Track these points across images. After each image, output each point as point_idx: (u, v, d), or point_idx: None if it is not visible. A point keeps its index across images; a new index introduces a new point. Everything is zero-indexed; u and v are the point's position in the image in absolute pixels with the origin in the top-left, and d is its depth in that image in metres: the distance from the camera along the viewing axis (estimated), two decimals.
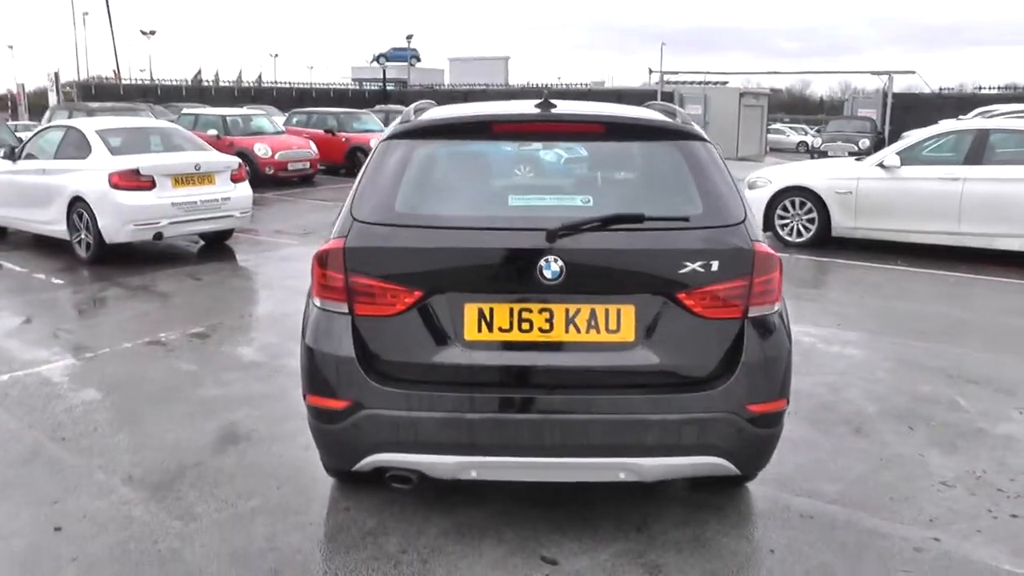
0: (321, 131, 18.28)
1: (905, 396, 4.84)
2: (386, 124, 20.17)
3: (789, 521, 3.40)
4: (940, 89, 28.93)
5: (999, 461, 4.01)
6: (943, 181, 8.76)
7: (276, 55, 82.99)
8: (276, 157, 15.17)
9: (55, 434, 4.19)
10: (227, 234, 9.47)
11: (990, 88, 29.63)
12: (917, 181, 8.95)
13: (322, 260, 2.87)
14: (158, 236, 8.14)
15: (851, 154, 22.03)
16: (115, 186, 7.83)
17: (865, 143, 25.04)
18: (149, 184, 7.92)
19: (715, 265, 2.77)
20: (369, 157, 3.10)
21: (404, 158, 2.99)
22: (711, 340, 2.83)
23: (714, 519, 3.40)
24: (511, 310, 2.76)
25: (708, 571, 3.03)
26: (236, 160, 9.02)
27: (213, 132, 15.34)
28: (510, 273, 2.75)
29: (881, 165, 9.19)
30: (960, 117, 16.27)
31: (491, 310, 2.76)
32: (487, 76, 55.40)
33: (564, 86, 46.21)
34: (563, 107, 3.20)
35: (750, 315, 2.85)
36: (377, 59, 69.82)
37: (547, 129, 3.11)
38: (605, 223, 2.75)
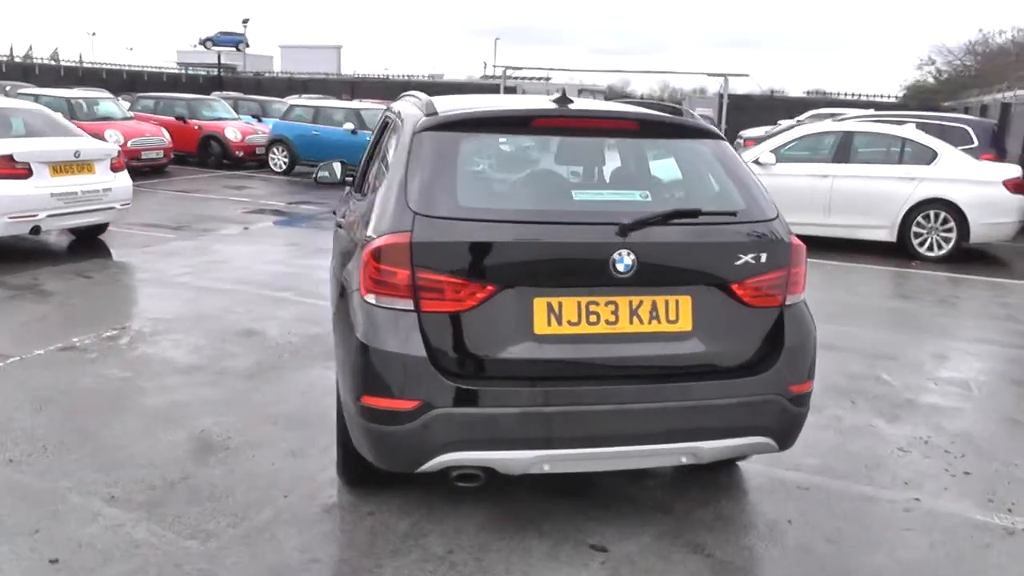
0: (171, 118, 17.01)
1: (838, 375, 5.30)
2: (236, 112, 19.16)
3: (791, 494, 3.65)
4: (771, 92, 31.49)
5: (936, 427, 4.51)
6: (814, 178, 9.60)
7: (94, 33, 76.09)
8: (129, 145, 13.92)
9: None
10: (101, 228, 8.65)
11: (808, 93, 32.57)
12: (791, 177, 9.73)
13: (379, 255, 2.74)
14: (35, 230, 7.29)
15: None
16: None
17: None
18: (25, 172, 7.06)
19: (764, 257, 2.93)
20: (408, 148, 2.96)
21: (452, 150, 2.90)
22: (757, 327, 2.99)
23: (724, 497, 3.59)
24: (579, 303, 2.78)
25: (745, 546, 3.20)
26: (116, 148, 8.25)
27: None
28: (582, 267, 2.77)
29: (757, 162, 9.91)
30: (800, 119, 17.83)
31: (560, 304, 2.76)
32: (319, 65, 53.78)
33: (406, 78, 45.74)
34: (580, 104, 3.24)
35: (787, 303, 3.05)
36: (204, 43, 65.78)
37: (585, 124, 3.14)
38: (667, 218, 2.84)
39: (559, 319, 2.77)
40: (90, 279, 7.08)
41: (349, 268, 3.16)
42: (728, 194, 3.06)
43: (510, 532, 3.20)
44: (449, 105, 3.21)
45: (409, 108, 3.36)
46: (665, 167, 3.29)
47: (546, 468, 2.81)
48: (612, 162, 3.48)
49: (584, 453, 2.82)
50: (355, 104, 17.99)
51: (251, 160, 17.08)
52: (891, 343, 6.06)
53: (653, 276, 2.82)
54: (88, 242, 8.57)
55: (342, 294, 3.18)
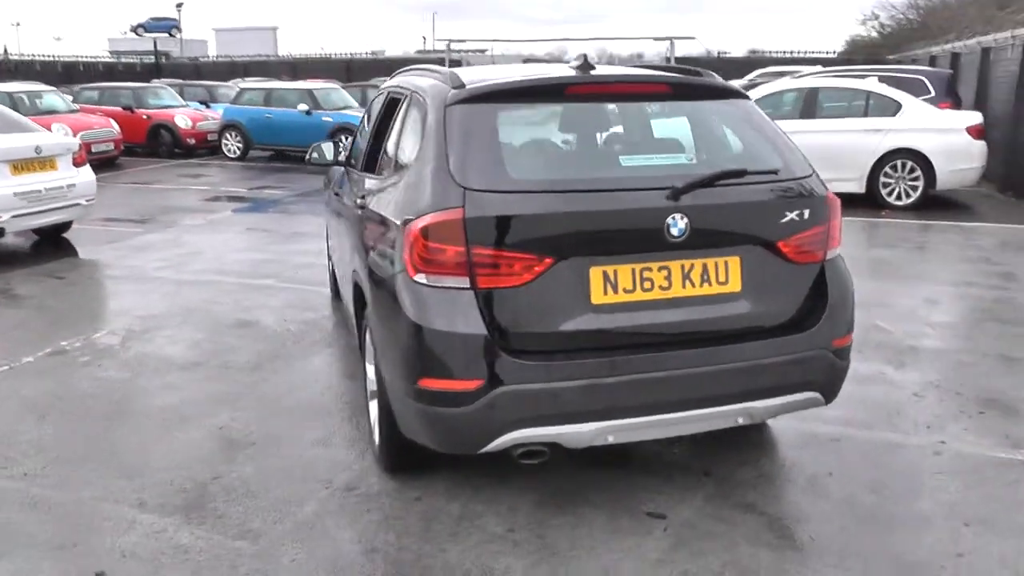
0: (118, 108, 16.37)
1: None
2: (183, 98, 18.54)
3: (823, 447, 3.70)
4: (718, 54, 31.81)
5: (942, 372, 4.62)
6: None
7: (18, 24, 72.54)
8: (78, 139, 13.39)
9: (10, 471, 3.52)
10: (65, 226, 8.30)
11: (752, 52, 32.92)
12: None
13: (427, 234, 2.65)
14: None
15: None
16: None
17: None
18: None
19: (806, 213, 2.93)
20: (440, 123, 2.86)
21: (489, 123, 2.82)
22: (801, 284, 3.00)
23: (761, 455, 3.61)
24: (633, 270, 2.74)
25: (793, 503, 3.23)
26: (76, 142, 7.91)
27: None
28: (637, 233, 2.73)
29: None
30: (750, 78, 17.98)
31: (615, 272, 2.72)
32: (255, 47, 52.50)
33: (348, 56, 44.90)
34: (603, 71, 3.18)
35: (827, 258, 3.06)
36: (135, 29, 63.50)
37: (617, 90, 3.10)
38: (715, 179, 2.81)
39: (615, 288, 2.73)
40: (63, 279, 6.79)
41: (382, 250, 3.06)
42: (765, 153, 3.05)
43: (564, 507, 3.17)
44: (473, 77, 3.11)
45: (428, 81, 3.25)
46: (698, 129, 3.26)
47: (610, 439, 2.79)
48: (649, 126, 3.44)
49: (646, 421, 2.80)
50: (308, 84, 17.55)
51: (202, 147, 16.59)
52: (879, 291, 6.18)
53: (704, 239, 2.80)
54: (53, 241, 8.23)
55: (376, 279, 3.08)
